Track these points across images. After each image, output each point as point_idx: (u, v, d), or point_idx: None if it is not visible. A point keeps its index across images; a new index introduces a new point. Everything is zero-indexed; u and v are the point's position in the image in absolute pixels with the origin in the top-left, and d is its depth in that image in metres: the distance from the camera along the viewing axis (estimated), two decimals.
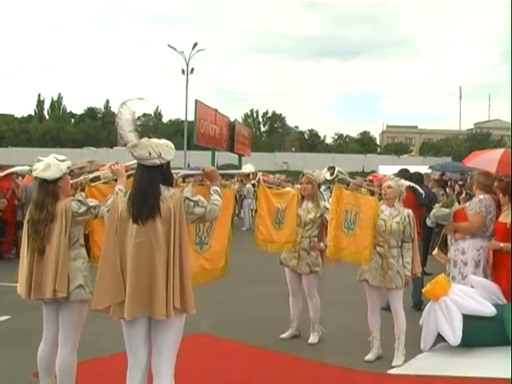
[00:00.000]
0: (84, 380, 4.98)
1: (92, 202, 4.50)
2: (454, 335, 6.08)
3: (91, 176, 5.05)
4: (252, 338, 6.97)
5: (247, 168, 5.76)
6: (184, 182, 5.08)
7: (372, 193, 6.96)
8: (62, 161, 4.57)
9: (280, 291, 7.65)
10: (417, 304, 8.28)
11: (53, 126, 76.18)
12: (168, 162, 3.98)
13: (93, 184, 4.98)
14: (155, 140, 3.96)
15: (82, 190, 4.95)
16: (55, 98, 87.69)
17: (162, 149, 3.92)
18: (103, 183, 4.97)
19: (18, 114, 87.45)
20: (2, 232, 12.67)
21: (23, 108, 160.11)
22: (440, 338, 6.31)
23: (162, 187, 3.89)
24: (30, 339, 4.94)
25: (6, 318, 7.67)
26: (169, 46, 42.59)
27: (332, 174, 6.44)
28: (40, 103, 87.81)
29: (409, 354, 6.21)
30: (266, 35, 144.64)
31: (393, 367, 5.98)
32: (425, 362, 6.14)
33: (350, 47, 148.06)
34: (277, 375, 5.83)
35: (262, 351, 6.56)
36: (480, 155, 7.00)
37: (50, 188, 4.46)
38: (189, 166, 35.88)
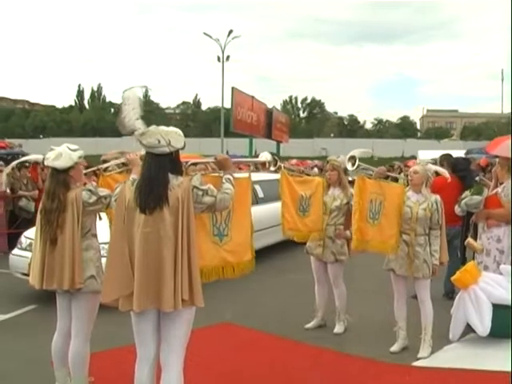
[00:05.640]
0: (99, 370, 4.96)
1: (103, 191, 4.43)
2: (483, 325, 5.86)
3: (104, 166, 4.97)
4: (276, 327, 6.87)
5: (263, 156, 5.50)
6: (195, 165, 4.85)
7: (396, 180, 6.74)
8: (74, 150, 4.53)
9: (306, 280, 7.52)
10: (448, 293, 8.04)
11: (93, 116, 77.03)
12: (177, 150, 3.88)
13: (107, 173, 4.90)
14: (164, 127, 3.87)
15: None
16: (95, 88, 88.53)
17: (172, 136, 3.81)
18: (118, 172, 4.87)
19: (59, 105, 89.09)
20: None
21: (64, 99, 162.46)
22: (469, 329, 6.09)
23: (171, 176, 3.78)
24: (55, 329, 4.90)
25: (32, 307, 7.75)
26: (204, 33, 42.74)
27: (353, 165, 6.22)
28: (80, 93, 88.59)
29: (437, 345, 6.03)
30: (304, 20, 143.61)
31: (418, 359, 5.81)
32: (451, 354, 5.93)
33: (389, 31, 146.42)
34: (299, 365, 5.73)
35: (285, 341, 6.45)
36: (505, 141, 6.66)
37: (60, 177, 4.42)
38: (227, 153, 35.98)
